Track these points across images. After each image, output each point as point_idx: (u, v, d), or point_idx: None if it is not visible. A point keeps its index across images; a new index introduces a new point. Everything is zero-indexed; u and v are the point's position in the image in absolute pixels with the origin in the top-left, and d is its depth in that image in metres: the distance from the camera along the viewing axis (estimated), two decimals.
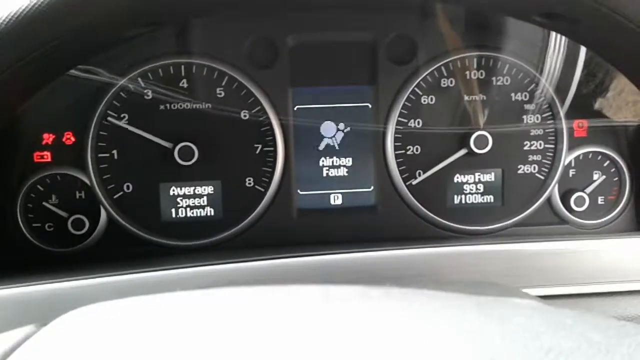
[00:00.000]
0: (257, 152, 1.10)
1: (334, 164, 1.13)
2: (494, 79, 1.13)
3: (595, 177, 1.16)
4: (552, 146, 1.14)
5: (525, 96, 1.14)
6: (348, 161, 1.13)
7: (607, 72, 1.14)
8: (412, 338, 0.37)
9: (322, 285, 0.49)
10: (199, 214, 1.11)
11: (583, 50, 1.12)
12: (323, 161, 1.13)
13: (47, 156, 1.06)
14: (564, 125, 1.13)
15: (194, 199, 1.10)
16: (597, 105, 1.17)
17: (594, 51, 1.05)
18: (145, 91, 1.07)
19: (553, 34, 1.10)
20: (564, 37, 1.10)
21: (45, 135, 1.06)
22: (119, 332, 0.39)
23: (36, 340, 0.41)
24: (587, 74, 1.14)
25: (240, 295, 0.46)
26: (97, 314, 0.43)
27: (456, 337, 0.38)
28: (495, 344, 0.39)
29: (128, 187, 1.08)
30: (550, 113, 1.14)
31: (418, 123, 1.13)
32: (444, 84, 1.12)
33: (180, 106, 1.08)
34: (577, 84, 1.13)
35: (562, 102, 1.13)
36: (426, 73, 1.11)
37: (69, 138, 1.07)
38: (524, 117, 1.14)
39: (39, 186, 1.06)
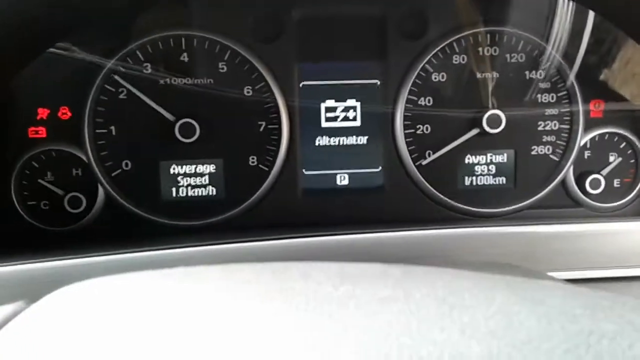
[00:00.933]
0: (261, 129, 1.06)
1: (341, 143, 1.09)
2: (507, 55, 1.09)
3: (611, 159, 1.12)
4: (567, 127, 1.10)
5: (540, 74, 1.09)
6: (355, 140, 1.09)
7: (614, 40, 1.10)
8: (442, 319, 0.33)
9: (338, 263, 0.45)
10: (200, 194, 1.07)
11: (590, 17, 1.07)
12: (329, 140, 1.09)
13: (42, 132, 1.02)
14: (580, 105, 1.09)
15: (195, 177, 1.06)
16: (603, 77, 1.13)
17: (601, 14, 1.00)
18: (144, 65, 1.02)
19: (560, 1, 1.06)
20: (571, 4, 1.05)
21: (40, 110, 1.02)
22: (110, 309, 0.36)
23: (25, 317, 0.38)
24: (595, 41, 1.09)
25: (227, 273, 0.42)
26: (87, 291, 0.40)
27: (489, 319, 0.34)
28: (531, 326, 0.35)
29: (127, 165, 1.04)
30: (566, 92, 1.10)
31: (428, 101, 1.08)
32: (456, 60, 1.08)
33: (181, 81, 1.03)
34: (585, 52, 1.09)
35: (570, 68, 1.09)
36: (437, 49, 1.07)
37: (65, 113, 1.03)
38: (539, 96, 1.09)
39: (33, 163, 1.02)
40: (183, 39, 1.03)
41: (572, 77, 1.08)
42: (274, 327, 0.33)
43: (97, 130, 1.02)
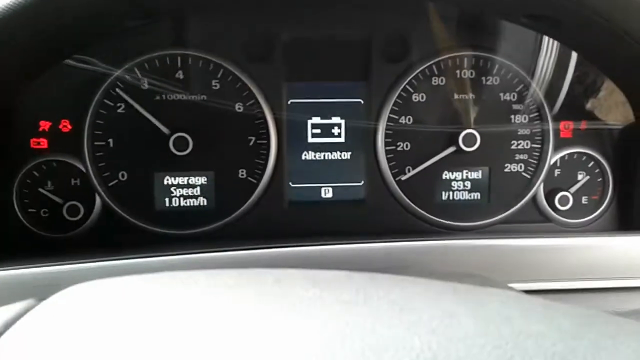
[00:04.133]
0: (251, 144, 1.12)
1: (326, 157, 1.15)
2: (483, 78, 1.15)
3: (579, 177, 1.19)
4: (539, 146, 1.17)
5: (514, 96, 1.16)
6: (339, 155, 1.15)
7: (598, 73, 1.16)
8: (387, 320, 0.39)
9: (308, 270, 0.51)
10: (192, 204, 1.13)
11: (575, 52, 1.14)
12: (315, 155, 1.15)
13: (44, 143, 1.08)
14: (551, 126, 1.16)
15: (188, 188, 1.12)
16: (588, 106, 1.20)
17: (578, 52, 1.07)
18: (142, 81, 1.09)
19: (545, 36, 1.13)
20: (555, 40, 1.13)
21: (42, 122, 1.08)
22: (119, 308, 0.41)
23: (36, 313, 0.43)
24: (579, 75, 1.17)
25: (233, 277, 0.48)
26: (97, 290, 0.45)
27: (430, 319, 0.40)
28: (468, 325, 0.41)
29: (123, 176, 1.10)
30: (537, 114, 1.17)
31: (409, 120, 1.15)
32: (435, 82, 1.15)
33: (176, 97, 1.10)
34: (569, 87, 1.16)
35: (552, 105, 1.16)
36: (418, 71, 1.14)
37: (66, 125, 1.09)
38: (512, 117, 1.16)
39: (34, 172, 1.08)
40: (179, 58, 1.09)
41: (550, 116, 1.15)
42: (249, 326, 0.39)
43: (96, 143, 1.08)
